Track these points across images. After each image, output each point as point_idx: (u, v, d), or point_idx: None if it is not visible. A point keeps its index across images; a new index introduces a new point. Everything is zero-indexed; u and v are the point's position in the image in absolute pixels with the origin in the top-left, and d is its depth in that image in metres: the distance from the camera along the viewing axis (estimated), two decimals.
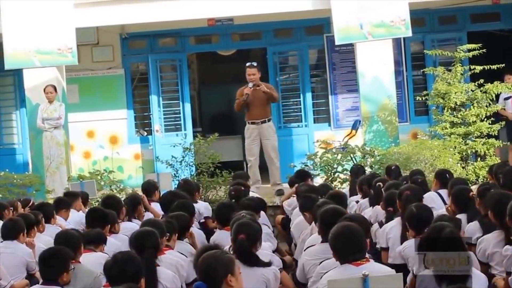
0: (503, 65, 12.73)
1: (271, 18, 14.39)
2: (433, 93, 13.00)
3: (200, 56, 17.65)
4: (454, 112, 12.78)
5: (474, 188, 8.31)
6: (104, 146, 15.35)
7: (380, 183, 8.66)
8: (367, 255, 5.56)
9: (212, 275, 4.69)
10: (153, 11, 13.33)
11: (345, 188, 11.00)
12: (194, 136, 14.30)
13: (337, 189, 10.81)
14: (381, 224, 7.79)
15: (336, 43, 13.19)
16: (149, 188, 10.22)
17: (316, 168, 12.47)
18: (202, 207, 9.75)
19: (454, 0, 13.99)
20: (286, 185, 11.38)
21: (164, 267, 6.14)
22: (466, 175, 12.00)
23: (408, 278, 5.90)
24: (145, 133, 15.55)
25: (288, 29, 15.44)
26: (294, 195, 9.94)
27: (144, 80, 15.51)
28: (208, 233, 8.49)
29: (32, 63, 13.12)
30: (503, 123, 13.03)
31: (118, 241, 7.55)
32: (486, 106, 12.71)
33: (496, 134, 12.82)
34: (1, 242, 7.77)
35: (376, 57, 13.02)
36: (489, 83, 12.73)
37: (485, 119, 12.68)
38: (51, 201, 10.44)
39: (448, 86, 12.78)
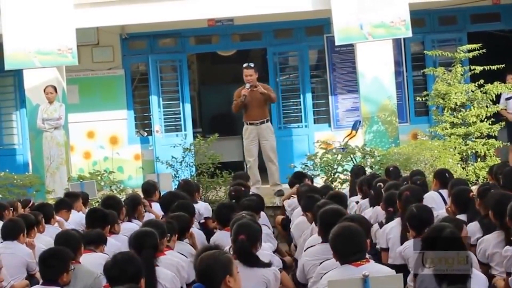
0: (503, 65, 12.73)
1: (271, 19, 14.39)
2: (433, 94, 13.00)
3: (200, 57, 17.65)
4: (454, 112, 12.78)
5: (474, 188, 8.31)
6: (104, 146, 15.35)
7: (381, 184, 8.66)
8: (367, 256, 5.56)
9: (211, 276, 4.69)
10: (153, 12, 13.34)
11: (345, 189, 11.00)
12: (194, 137, 14.31)
13: (337, 189, 10.80)
14: (381, 225, 7.79)
15: (336, 43, 13.19)
16: (149, 188, 10.24)
17: (316, 169, 12.47)
18: (202, 208, 9.75)
19: (454, 1, 13.99)
20: (286, 186, 11.38)
21: (165, 268, 6.14)
22: (466, 175, 12.00)
23: (409, 279, 5.90)
24: (145, 134, 15.56)
25: (288, 30, 15.44)
26: (294, 196, 9.95)
27: (144, 81, 15.51)
28: (208, 233, 8.49)
29: (32, 63, 13.12)
30: (503, 123, 13.03)
31: (118, 242, 7.54)
32: (486, 107, 12.71)
33: (496, 135, 12.81)
34: (1, 242, 7.77)
35: (376, 57, 13.02)
36: (489, 84, 12.73)
37: (485, 120, 12.68)
38: (51, 202, 10.45)
39: (448, 86, 12.78)
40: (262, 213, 8.69)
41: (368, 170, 11.55)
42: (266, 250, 6.66)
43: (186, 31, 15.27)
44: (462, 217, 7.21)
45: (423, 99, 13.48)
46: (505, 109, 13.27)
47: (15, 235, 7.69)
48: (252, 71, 12.52)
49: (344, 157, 12.44)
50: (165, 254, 6.48)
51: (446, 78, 12.88)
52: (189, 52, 16.13)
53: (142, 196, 9.86)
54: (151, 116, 15.26)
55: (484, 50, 12.79)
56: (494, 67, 12.68)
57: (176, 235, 7.02)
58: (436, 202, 8.34)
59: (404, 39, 14.25)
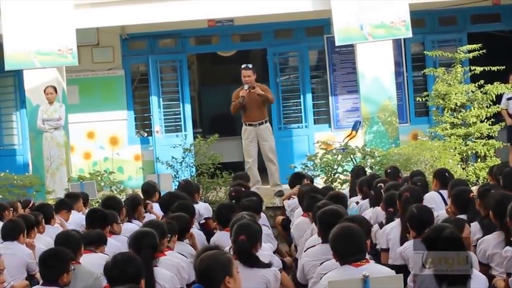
0: (504, 67, 12.72)
1: (271, 19, 14.39)
2: (433, 94, 13.00)
3: (200, 57, 17.65)
4: (454, 113, 12.78)
5: (474, 189, 8.31)
6: (104, 147, 15.35)
7: (381, 184, 8.66)
8: (367, 256, 5.56)
9: (210, 276, 4.70)
10: (153, 12, 13.33)
11: (345, 189, 11.00)
12: (194, 137, 14.31)
13: (337, 190, 10.80)
14: (381, 225, 7.79)
15: (337, 44, 13.18)
16: (149, 189, 10.24)
17: (316, 169, 12.47)
18: (202, 208, 9.75)
19: (454, 1, 13.99)
20: (286, 186, 11.38)
21: (165, 268, 6.13)
22: (466, 176, 12.00)
23: (409, 279, 5.90)
24: (145, 134, 15.56)
25: (288, 30, 15.44)
26: (294, 196, 9.95)
27: (144, 81, 15.52)
28: (209, 234, 8.48)
29: (32, 64, 13.12)
30: (503, 124, 13.03)
31: (118, 242, 7.54)
32: (487, 107, 12.71)
33: (496, 135, 12.81)
34: (1, 243, 7.77)
35: (377, 58, 13.02)
36: (489, 84, 12.73)
37: (485, 120, 12.68)
38: (51, 202, 10.46)
39: (448, 87, 12.78)
40: (261, 213, 8.69)
41: (368, 171, 11.55)
42: (266, 250, 6.65)
43: (186, 31, 15.27)
44: (462, 217, 7.21)
45: (423, 99, 13.48)
46: (506, 109, 13.25)
47: (15, 235, 7.70)
48: (251, 72, 12.52)
49: (344, 157, 12.44)
50: (165, 255, 6.48)
51: (446, 78, 12.88)
52: (189, 53, 16.14)
53: (142, 196, 9.85)
54: (151, 117, 15.26)
55: (484, 51, 12.80)
56: (494, 68, 12.67)
57: (176, 236, 7.02)
58: (436, 202, 8.33)
59: (404, 39, 14.25)
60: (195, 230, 8.10)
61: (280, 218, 10.77)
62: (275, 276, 6.03)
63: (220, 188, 12.51)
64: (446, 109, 12.83)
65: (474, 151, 12.59)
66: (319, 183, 11.92)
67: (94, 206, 10.53)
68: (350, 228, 5.58)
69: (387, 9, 12.76)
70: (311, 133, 15.12)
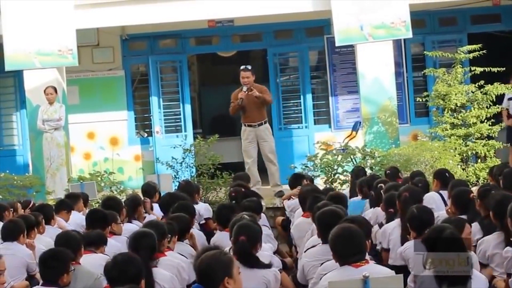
0: (504, 69, 12.73)
1: (271, 20, 14.38)
2: (434, 95, 13.00)
3: (201, 58, 17.65)
4: (455, 113, 12.78)
5: (474, 189, 8.31)
6: (105, 147, 15.35)
7: (382, 185, 8.66)
8: (367, 257, 5.56)
9: (210, 276, 4.70)
10: (154, 13, 13.33)
11: (345, 190, 10.99)
12: (195, 138, 14.31)
13: (337, 190, 10.80)
14: (381, 226, 7.79)
15: (337, 44, 13.18)
16: (149, 189, 10.24)
17: (316, 170, 12.47)
18: (202, 209, 9.75)
19: (454, 2, 13.98)
20: (286, 186, 11.38)
21: (165, 269, 6.13)
22: (467, 176, 12.00)
23: (409, 279, 5.90)
24: (146, 135, 15.56)
25: (289, 31, 15.44)
26: (294, 197, 9.95)
27: (144, 82, 15.51)
28: (209, 234, 8.48)
29: (32, 64, 13.12)
30: (503, 124, 13.02)
31: (118, 243, 7.54)
32: (487, 108, 12.71)
33: (496, 136, 12.81)
34: (1, 243, 7.77)
35: (377, 58, 13.01)
36: (489, 85, 12.73)
37: (485, 121, 12.68)
38: (51, 203, 10.45)
39: (448, 87, 12.78)
40: (261, 214, 8.69)
41: (368, 171, 11.55)
42: (266, 250, 6.66)
43: (186, 32, 15.26)
44: (463, 218, 7.20)
45: (423, 100, 13.47)
46: (507, 109, 13.24)
47: (15, 236, 7.70)
48: (249, 73, 12.53)
49: (344, 158, 12.43)
50: (165, 255, 6.48)
51: (446, 79, 12.88)
52: (189, 53, 16.14)
53: (142, 197, 9.85)
54: (151, 117, 15.26)
55: (484, 51, 12.80)
56: (494, 69, 12.67)
57: (176, 236, 7.02)
58: (436, 202, 8.33)
59: (405, 40, 14.25)
60: (195, 230, 8.10)
61: (280, 218, 10.77)
62: (275, 276, 6.03)
63: (220, 189, 12.51)
64: (446, 110, 12.83)
65: (474, 152, 12.59)
66: (319, 183, 11.92)
67: (94, 207, 10.53)
68: (349, 228, 5.58)
69: (387, 10, 12.76)
70: (311, 134, 15.12)
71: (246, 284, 5.26)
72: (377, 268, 5.49)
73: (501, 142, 12.69)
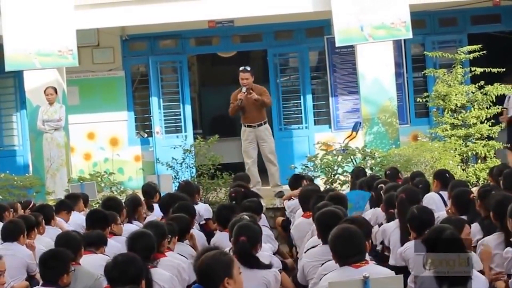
0: (504, 68, 12.72)
1: (271, 20, 14.38)
2: (434, 95, 13.00)
3: (201, 58, 17.65)
4: (455, 114, 12.78)
5: (474, 190, 8.30)
6: (105, 147, 15.35)
7: (382, 185, 8.65)
8: (368, 257, 5.56)
9: (210, 276, 4.70)
10: (154, 13, 13.33)
11: (345, 190, 10.99)
12: (195, 138, 14.30)
13: (337, 191, 10.79)
14: (381, 227, 7.79)
15: (337, 45, 13.18)
16: (150, 190, 10.24)
17: (316, 170, 12.47)
18: (202, 209, 9.74)
19: (454, 2, 13.98)
20: (286, 187, 11.38)
21: (165, 270, 6.13)
22: (467, 177, 12.00)
23: (409, 280, 5.90)
24: (146, 135, 15.56)
25: (289, 31, 15.45)
26: (294, 198, 9.95)
27: (144, 82, 15.52)
28: (209, 235, 8.48)
29: (32, 64, 13.12)
30: (503, 125, 13.02)
31: (118, 243, 7.54)
32: (487, 108, 12.71)
33: (496, 136, 12.81)
34: (1, 244, 7.77)
35: (377, 59, 13.01)
36: (489, 85, 12.73)
37: (486, 121, 12.68)
38: (51, 203, 10.45)
39: (448, 88, 12.78)
40: (261, 214, 8.68)
41: (369, 172, 11.55)
42: (265, 251, 6.65)
43: (186, 32, 15.26)
44: (463, 218, 7.20)
45: (424, 100, 13.47)
46: (506, 109, 13.22)
47: (15, 236, 7.69)
48: (248, 75, 12.53)
49: (345, 158, 12.43)
50: (165, 256, 6.48)
51: (446, 79, 12.88)
52: (190, 54, 16.14)
53: (142, 197, 9.85)
54: (151, 118, 15.26)
55: (484, 52, 12.80)
56: (494, 70, 12.67)
57: (177, 237, 7.01)
58: (436, 203, 8.31)
59: (405, 40, 14.25)
60: (195, 231, 8.10)
61: (280, 219, 10.77)
62: (275, 277, 6.03)
63: (220, 189, 12.51)
64: (446, 110, 12.83)
65: (474, 152, 12.59)
66: (319, 184, 11.89)
67: (95, 207, 10.52)
68: (349, 229, 5.58)
69: (387, 10, 12.76)
70: (311, 134, 15.12)
71: (246, 284, 5.26)
72: (377, 269, 5.49)
73: (501, 143, 12.69)
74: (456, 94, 12.69)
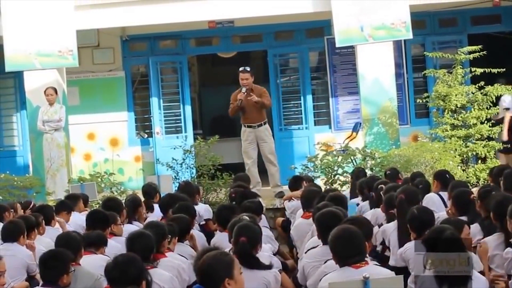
0: (504, 69, 12.72)
1: (271, 21, 14.38)
2: (434, 96, 13.00)
3: (201, 58, 17.65)
4: (455, 114, 12.78)
5: (474, 190, 8.30)
6: (105, 148, 15.35)
7: (382, 186, 8.65)
8: (368, 258, 5.56)
9: (211, 276, 4.69)
10: (154, 13, 13.33)
11: (346, 191, 10.99)
12: (195, 138, 14.30)
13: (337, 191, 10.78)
14: (381, 227, 7.78)
15: (337, 45, 13.17)
16: (150, 190, 10.24)
17: (316, 171, 12.47)
18: (202, 210, 9.74)
19: (454, 3, 13.98)
20: (286, 187, 11.38)
21: (166, 270, 6.13)
22: (467, 177, 12.00)
23: (409, 280, 5.90)
24: (146, 135, 15.56)
25: (289, 32, 15.45)
26: (294, 198, 9.95)
27: (144, 82, 15.51)
28: (209, 235, 8.48)
29: (32, 65, 13.11)
30: (503, 125, 13.02)
31: (118, 243, 7.54)
32: (487, 109, 12.71)
33: (496, 137, 12.81)
34: (1, 244, 7.77)
35: (377, 59, 13.01)
36: (489, 86, 12.73)
37: (486, 122, 12.68)
38: (51, 203, 10.45)
39: (448, 88, 12.78)
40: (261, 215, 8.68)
41: (369, 172, 11.55)
42: (265, 251, 6.65)
43: (186, 33, 15.26)
44: (463, 219, 7.20)
45: (424, 101, 13.47)
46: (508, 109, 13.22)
47: (15, 236, 7.69)
48: (248, 75, 12.53)
49: (345, 159, 12.43)
50: (166, 256, 6.48)
51: (446, 80, 12.88)
52: (190, 54, 16.14)
53: (142, 198, 9.85)
54: (151, 118, 15.26)
55: (484, 52, 12.80)
56: (494, 70, 12.67)
57: (177, 237, 7.01)
58: (436, 204, 8.30)
59: (405, 41, 14.25)
60: (195, 231, 8.11)
61: (280, 219, 10.77)
62: (275, 277, 6.03)
63: (221, 190, 12.52)
64: (446, 111, 12.83)
65: (474, 153, 12.59)
66: (319, 184, 11.89)
67: (95, 208, 10.52)
68: (349, 230, 5.58)
69: (387, 11, 12.75)
70: (311, 135, 15.12)
71: (246, 285, 5.25)
72: (377, 269, 5.49)
73: (501, 143, 12.68)
74: (456, 95, 12.69)
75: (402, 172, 10.60)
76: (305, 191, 9.04)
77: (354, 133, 14.20)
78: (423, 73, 13.96)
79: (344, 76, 15.09)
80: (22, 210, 9.67)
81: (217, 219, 8.08)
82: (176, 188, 11.00)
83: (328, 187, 11.49)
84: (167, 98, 15.37)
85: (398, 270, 6.20)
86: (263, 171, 12.88)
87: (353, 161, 12.43)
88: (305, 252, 6.90)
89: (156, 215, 9.37)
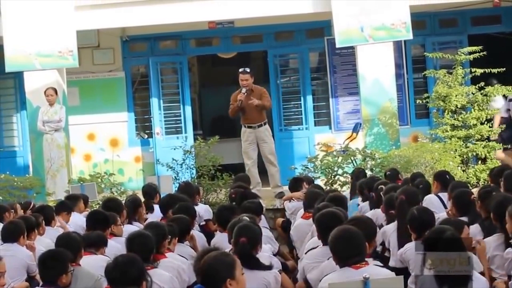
0: (504, 69, 12.73)
1: (272, 21, 14.39)
2: (434, 96, 12.99)
3: (201, 59, 17.65)
4: (455, 115, 12.78)
5: (474, 191, 8.30)
6: (105, 148, 15.35)
7: (383, 186, 8.64)
8: (370, 258, 5.56)
9: (213, 276, 4.69)
10: (154, 14, 13.33)
11: (346, 191, 10.99)
12: (195, 139, 14.30)
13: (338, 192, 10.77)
14: (381, 228, 7.78)
15: (337, 46, 13.17)
16: (150, 191, 10.25)
17: (316, 171, 12.47)
18: (202, 210, 9.74)
19: (455, 3, 13.98)
20: (286, 188, 11.38)
21: (166, 270, 6.13)
22: (467, 178, 12.00)
23: (410, 281, 5.90)
24: (146, 136, 15.55)
25: (289, 32, 15.45)
26: (294, 199, 9.95)
27: (144, 83, 15.52)
28: (209, 236, 8.48)
29: (32, 65, 13.11)
30: (504, 126, 13.02)
31: (118, 244, 7.54)
32: (487, 109, 12.71)
33: (496, 137, 12.81)
34: (1, 244, 7.76)
35: (377, 60, 13.01)
36: (489, 86, 12.73)
37: (486, 122, 12.68)
38: (51, 204, 10.45)
39: (448, 89, 12.78)
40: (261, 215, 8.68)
41: (369, 173, 11.54)
42: (265, 252, 6.65)
43: (186, 33, 15.27)
44: (463, 219, 7.20)
45: (424, 101, 13.47)
46: (509, 109, 13.23)
47: (16, 237, 7.69)
48: (248, 76, 12.54)
49: (345, 159, 12.44)
50: (166, 257, 6.48)
51: (446, 80, 12.88)
52: (190, 54, 16.13)
53: (142, 198, 9.85)
54: (151, 118, 15.27)
55: (484, 53, 12.80)
56: (494, 70, 12.68)
57: (177, 238, 7.01)
58: (435, 205, 8.28)
59: (405, 41, 14.25)
60: (195, 232, 8.11)
61: (280, 220, 10.76)
62: (275, 278, 6.03)
63: (221, 190, 12.52)
64: (446, 111, 12.83)
65: (474, 153, 12.58)
66: (319, 185, 11.90)
67: (95, 208, 10.52)
68: (349, 230, 5.58)
69: (387, 11, 12.76)
70: (311, 135, 15.13)
71: (246, 285, 5.26)
72: (377, 270, 5.49)
73: (501, 144, 12.68)
74: (456, 95, 12.69)
75: (402, 173, 10.60)
76: (308, 192, 9.04)
77: (354, 134, 14.20)
78: (423, 73, 13.96)
79: (344, 76, 15.09)
80: (22, 211, 9.67)
81: (217, 219, 8.08)
82: (176, 189, 11.00)
83: (328, 187, 11.50)
84: (167, 98, 15.37)
85: (398, 271, 6.20)
86: (263, 171, 12.88)
87: (353, 161, 12.43)
88: (305, 253, 6.90)
89: (156, 215, 9.37)
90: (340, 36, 12.92)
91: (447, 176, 9.02)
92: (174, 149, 13.26)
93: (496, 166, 11.04)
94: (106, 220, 7.77)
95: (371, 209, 8.72)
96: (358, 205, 9.33)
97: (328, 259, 6.07)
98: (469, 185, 10.35)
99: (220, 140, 13.35)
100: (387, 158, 12.09)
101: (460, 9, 14.61)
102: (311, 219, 7.61)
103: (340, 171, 12.35)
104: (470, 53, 12.98)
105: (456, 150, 12.36)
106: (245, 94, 12.43)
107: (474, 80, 13.01)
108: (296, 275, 7.16)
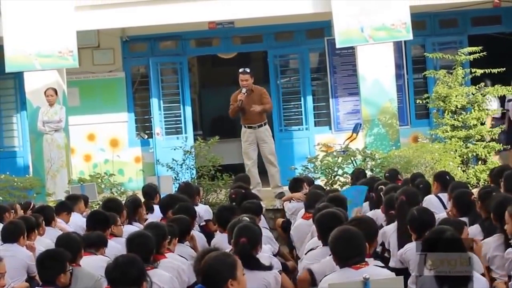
0: (504, 69, 12.73)
1: (272, 21, 14.39)
2: (434, 96, 12.99)
3: (201, 59, 17.65)
4: (455, 115, 12.78)
5: (475, 191, 8.30)
6: (105, 149, 15.35)
7: (383, 187, 8.64)
8: (371, 258, 5.56)
9: (214, 277, 4.69)
10: (154, 14, 13.33)
11: None
12: (195, 139, 14.29)
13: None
14: (381, 228, 7.77)
15: (337, 46, 13.17)
16: (150, 191, 10.24)
17: (316, 171, 12.47)
18: (202, 210, 9.74)
19: (455, 3, 13.98)
20: (286, 188, 11.37)
21: (166, 271, 6.13)
22: (467, 178, 12.00)
23: (410, 281, 5.90)
24: (146, 136, 15.56)
25: (289, 32, 15.46)
26: (294, 200, 9.95)
27: (144, 83, 15.52)
28: (209, 236, 8.48)
29: (32, 66, 13.11)
30: (504, 126, 13.03)
31: (119, 244, 7.54)
32: (487, 109, 12.71)
33: (496, 138, 12.81)
34: (1, 245, 7.76)
35: (377, 60, 13.01)
36: (489, 86, 12.73)
37: (486, 123, 12.68)
38: (51, 204, 10.45)
39: (448, 89, 12.78)
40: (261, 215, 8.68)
41: (369, 173, 11.54)
42: (265, 252, 6.65)
43: (186, 33, 15.27)
44: (463, 220, 7.20)
45: (424, 101, 13.46)
46: (508, 111, 13.24)
47: (16, 237, 7.69)
48: (248, 76, 12.54)
49: (345, 159, 12.44)
50: (166, 257, 6.48)
51: (446, 80, 12.88)
52: (190, 55, 16.14)
53: (142, 198, 9.85)
54: (151, 119, 15.27)
55: (484, 53, 12.80)
56: (495, 71, 12.68)
57: (177, 238, 7.01)
58: (435, 206, 8.27)
59: (405, 41, 14.24)
60: (195, 232, 8.10)
61: (280, 220, 10.75)
62: (275, 278, 6.03)
63: (221, 190, 12.52)
64: (446, 112, 12.83)
65: (474, 154, 12.58)
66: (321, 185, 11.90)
67: (95, 208, 10.52)
68: (349, 230, 5.57)
69: (387, 11, 12.76)
70: (311, 135, 15.13)
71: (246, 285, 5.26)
72: (377, 270, 5.48)
73: (501, 144, 12.69)
74: (456, 96, 12.68)
75: (402, 173, 10.60)
76: (310, 193, 9.03)
77: (354, 134, 14.20)
78: (423, 74, 13.96)
79: (344, 77, 15.09)
80: (22, 211, 9.67)
81: (217, 220, 8.08)
82: (176, 189, 11.00)
83: (328, 188, 11.49)
84: (167, 99, 15.37)
85: (398, 272, 6.20)
86: (263, 172, 12.88)
87: (353, 162, 12.43)
88: (305, 253, 6.90)
89: (156, 216, 9.36)
90: (340, 36, 12.92)
91: (447, 177, 9.02)
92: (174, 149, 13.25)
93: (496, 166, 11.04)
94: (106, 221, 7.77)
95: (371, 210, 8.72)
96: None
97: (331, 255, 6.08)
98: (469, 185, 10.35)
99: (220, 141, 13.35)
100: (387, 159, 12.09)
101: (460, 9, 14.61)
102: (311, 219, 7.61)
103: (340, 172, 12.35)
104: (470, 54, 12.98)
105: (456, 150, 12.36)
106: (245, 94, 12.43)
107: (474, 81, 13.01)
108: (296, 275, 7.15)
